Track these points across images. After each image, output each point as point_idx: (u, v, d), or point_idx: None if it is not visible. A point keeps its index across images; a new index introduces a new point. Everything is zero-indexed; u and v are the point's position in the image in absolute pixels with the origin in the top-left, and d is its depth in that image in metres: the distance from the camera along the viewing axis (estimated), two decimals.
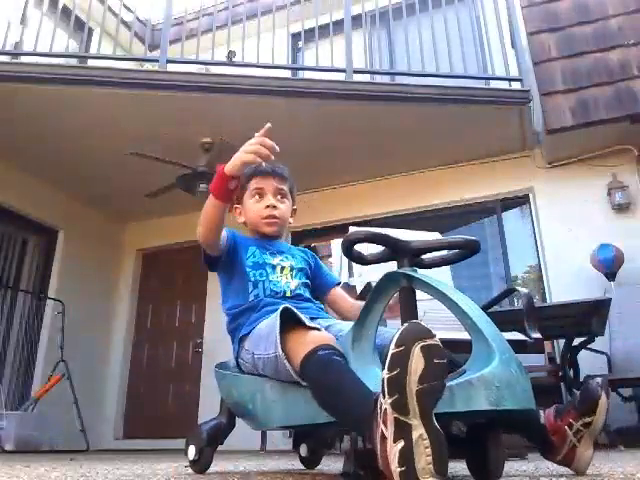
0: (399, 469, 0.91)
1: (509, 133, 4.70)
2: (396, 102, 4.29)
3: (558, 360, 3.50)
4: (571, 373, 3.42)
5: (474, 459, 1.32)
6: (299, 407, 1.31)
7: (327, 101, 4.29)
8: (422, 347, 0.94)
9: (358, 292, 2.66)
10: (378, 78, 5.10)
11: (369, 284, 2.47)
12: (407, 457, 0.91)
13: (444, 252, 1.37)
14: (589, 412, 1.31)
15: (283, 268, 1.73)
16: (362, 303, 1.33)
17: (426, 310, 2.88)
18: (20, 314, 5.31)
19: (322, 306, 1.75)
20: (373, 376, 1.12)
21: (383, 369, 0.96)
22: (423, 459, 0.91)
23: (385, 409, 0.94)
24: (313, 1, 4.73)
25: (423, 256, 1.33)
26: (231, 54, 4.65)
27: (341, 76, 4.37)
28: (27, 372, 5.14)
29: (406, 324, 0.98)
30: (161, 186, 4.74)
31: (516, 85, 4.37)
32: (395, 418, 0.93)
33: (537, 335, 2.26)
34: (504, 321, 3.12)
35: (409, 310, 1.22)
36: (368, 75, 4.95)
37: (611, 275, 4.16)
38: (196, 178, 4.55)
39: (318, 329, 1.35)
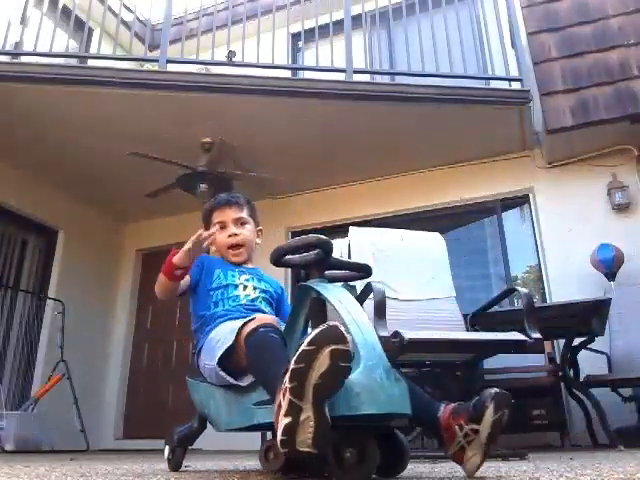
0: (281, 437, 1.08)
1: (509, 133, 4.70)
2: (396, 102, 4.29)
3: (558, 360, 3.50)
4: (571, 373, 3.42)
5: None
6: (240, 411, 1.48)
7: (327, 101, 4.29)
8: (332, 350, 1.07)
9: (358, 292, 2.66)
10: (378, 78, 5.10)
11: (369, 284, 2.47)
12: (291, 430, 1.07)
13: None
14: (478, 420, 1.33)
15: (246, 287, 1.87)
16: None
17: (427, 310, 2.88)
18: (20, 314, 5.31)
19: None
20: None
21: (293, 357, 1.10)
22: (304, 435, 1.07)
23: (285, 388, 1.09)
24: (313, 1, 4.73)
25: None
26: (231, 54, 4.65)
27: (341, 76, 4.37)
28: (27, 372, 5.14)
29: (323, 327, 1.09)
30: (161, 186, 4.75)
31: (516, 85, 4.37)
32: (290, 399, 1.08)
33: (537, 335, 2.25)
34: (504, 321, 3.14)
35: (319, 318, 1.33)
36: (368, 75, 4.96)
37: (611, 275, 4.16)
38: (196, 178, 4.55)
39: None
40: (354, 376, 1.14)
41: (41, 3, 4.57)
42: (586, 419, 3.45)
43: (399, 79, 4.83)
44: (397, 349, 2.16)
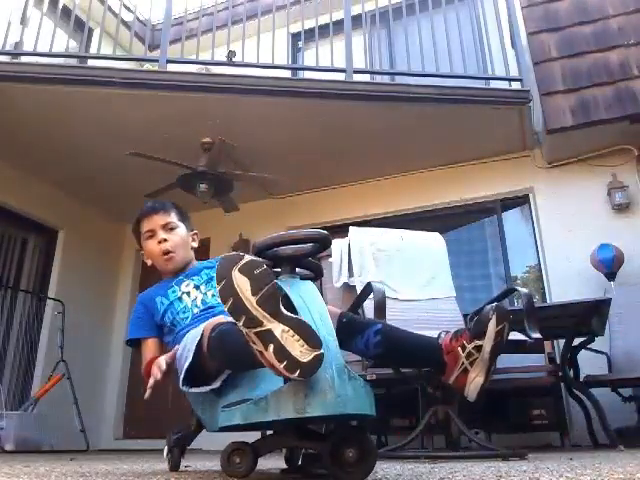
0: (281, 365, 1.03)
1: (509, 133, 4.70)
2: (396, 102, 4.29)
3: (558, 360, 3.49)
4: (571, 373, 3.41)
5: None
6: (218, 413, 1.40)
7: (327, 101, 4.29)
8: (239, 269, 1.07)
9: (358, 292, 2.66)
10: (378, 78, 5.10)
11: (369, 284, 2.48)
12: (282, 353, 1.03)
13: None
14: (480, 335, 1.34)
15: (188, 293, 1.84)
16: None
17: (427, 310, 2.89)
18: (20, 314, 5.31)
19: None
20: None
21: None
22: (296, 346, 1.04)
23: (246, 332, 1.06)
24: (313, 1, 4.73)
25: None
26: (231, 54, 4.65)
27: (341, 76, 4.37)
28: (27, 372, 5.14)
29: (218, 261, 1.10)
30: (161, 186, 4.74)
31: (516, 85, 4.37)
32: (255, 333, 1.05)
33: (537, 335, 2.26)
34: None
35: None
36: (368, 75, 4.95)
37: (611, 275, 4.16)
38: (196, 178, 4.55)
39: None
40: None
41: (41, 3, 4.56)
42: (586, 419, 3.44)
43: (399, 79, 4.83)
44: None
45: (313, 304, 1.22)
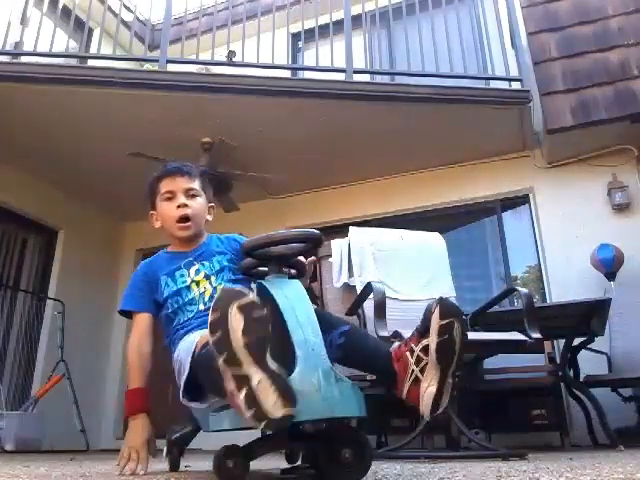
0: (248, 413, 1.01)
1: (509, 133, 4.70)
2: (396, 102, 4.29)
3: (558, 360, 3.50)
4: (571, 373, 3.42)
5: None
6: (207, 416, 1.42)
7: (327, 101, 4.29)
8: (239, 306, 1.03)
9: (358, 292, 2.66)
10: (378, 78, 5.10)
11: (369, 284, 2.48)
12: (252, 401, 1.00)
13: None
14: (426, 333, 1.20)
15: (198, 283, 1.70)
16: None
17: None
18: (20, 314, 5.31)
19: None
20: None
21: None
22: (270, 398, 1.00)
23: (223, 369, 1.03)
24: (313, 1, 4.73)
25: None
26: (231, 54, 4.65)
27: (341, 76, 4.37)
28: (27, 372, 5.13)
29: (219, 291, 1.07)
30: None
31: (516, 85, 4.37)
32: (232, 374, 1.02)
33: (537, 335, 2.26)
34: (504, 321, 3.14)
35: (277, 321, 1.22)
36: (368, 75, 4.95)
37: (611, 275, 4.16)
38: None
39: None
40: (289, 380, 1.10)
41: (41, 3, 4.56)
42: (586, 419, 3.45)
43: (399, 79, 4.83)
44: None
45: (299, 304, 1.19)
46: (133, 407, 1.76)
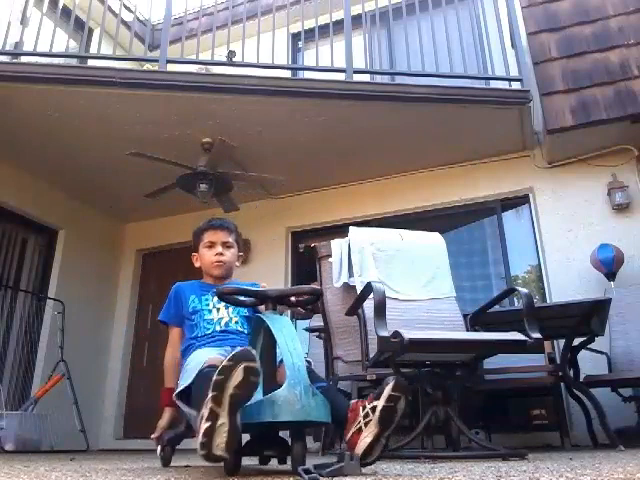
0: (199, 438, 1.31)
1: (509, 133, 4.70)
2: (396, 102, 4.29)
3: (558, 360, 3.49)
4: (571, 373, 3.41)
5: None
6: None
7: (327, 101, 4.29)
8: (245, 367, 1.32)
9: (358, 292, 2.66)
10: (378, 78, 5.10)
11: (369, 284, 2.48)
12: (208, 434, 1.30)
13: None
14: (378, 397, 1.51)
15: (218, 309, 2.13)
16: None
17: (427, 310, 2.88)
18: (20, 314, 5.31)
19: (247, 337, 2.07)
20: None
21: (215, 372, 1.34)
22: (219, 440, 1.30)
23: (208, 399, 1.32)
24: (313, 1, 4.73)
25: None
26: (231, 54, 4.65)
27: (341, 76, 4.37)
28: (27, 372, 5.14)
29: (239, 349, 1.35)
30: (161, 186, 4.75)
31: (516, 85, 4.37)
32: (211, 407, 1.31)
33: (537, 335, 2.26)
34: (504, 321, 3.14)
35: (268, 344, 1.63)
36: (368, 75, 4.95)
37: (611, 275, 4.16)
38: (196, 178, 4.55)
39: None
40: (279, 391, 1.42)
41: (41, 3, 4.56)
42: (586, 419, 3.44)
43: (399, 79, 4.83)
44: (398, 349, 2.16)
45: (289, 337, 1.54)
46: (166, 402, 2.17)
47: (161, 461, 2.19)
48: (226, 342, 2.00)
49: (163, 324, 2.30)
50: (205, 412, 1.32)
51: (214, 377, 1.32)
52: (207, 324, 2.09)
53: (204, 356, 1.80)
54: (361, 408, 1.53)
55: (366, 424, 1.49)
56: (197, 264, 2.33)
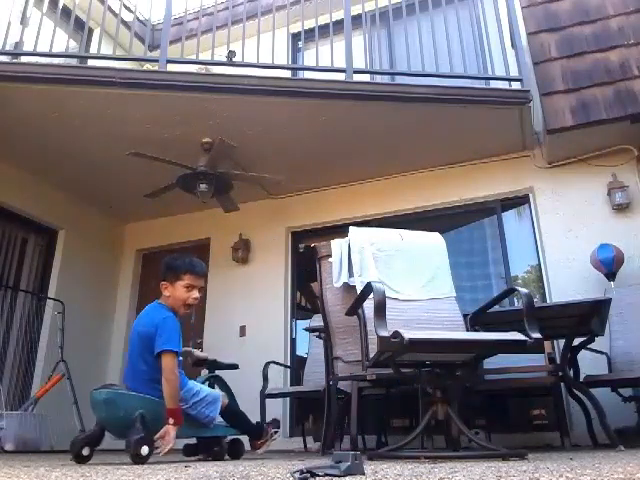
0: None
1: (509, 133, 4.70)
2: (396, 102, 4.29)
3: (558, 360, 3.49)
4: (571, 373, 3.41)
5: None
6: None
7: (327, 101, 4.29)
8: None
9: (358, 292, 2.66)
10: (378, 78, 5.10)
11: (369, 284, 2.47)
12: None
13: None
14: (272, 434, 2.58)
15: None
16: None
17: (427, 310, 2.88)
18: (20, 314, 5.31)
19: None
20: None
21: None
22: None
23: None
24: (313, 1, 4.73)
25: None
26: (231, 54, 4.65)
27: (341, 76, 4.37)
28: (27, 372, 5.14)
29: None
30: (161, 186, 4.75)
31: (516, 85, 4.37)
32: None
33: (537, 335, 2.25)
34: (504, 321, 3.14)
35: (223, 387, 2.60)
36: (368, 75, 4.95)
37: (611, 275, 4.16)
38: (196, 178, 4.55)
39: None
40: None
41: (41, 3, 4.56)
42: (586, 419, 3.44)
43: (399, 79, 4.83)
44: (398, 349, 2.16)
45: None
46: (178, 419, 2.45)
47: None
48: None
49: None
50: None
51: None
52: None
53: (217, 395, 2.66)
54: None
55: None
56: (166, 293, 2.57)
